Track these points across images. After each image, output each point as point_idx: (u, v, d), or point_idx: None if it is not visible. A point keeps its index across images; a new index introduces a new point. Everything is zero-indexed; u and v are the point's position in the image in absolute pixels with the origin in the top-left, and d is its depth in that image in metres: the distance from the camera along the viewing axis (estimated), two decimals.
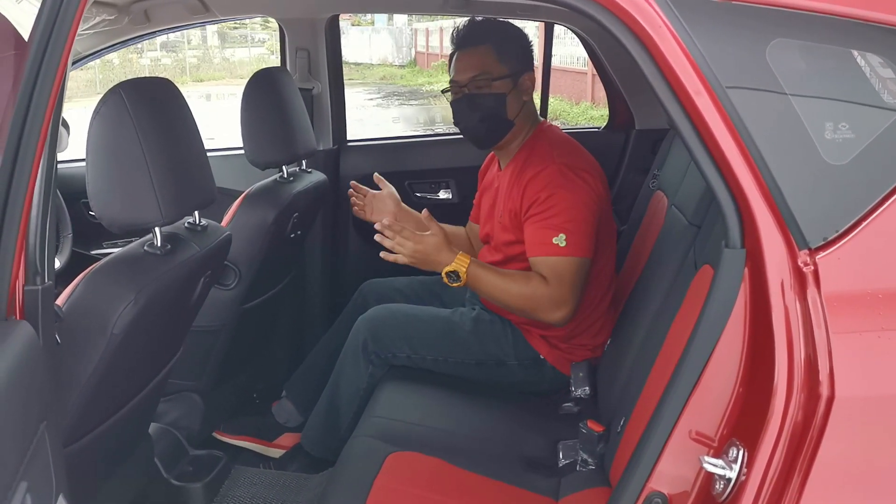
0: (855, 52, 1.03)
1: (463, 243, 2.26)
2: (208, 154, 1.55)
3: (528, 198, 1.82)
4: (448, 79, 1.98)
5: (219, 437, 2.21)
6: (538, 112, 2.03)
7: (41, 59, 1.00)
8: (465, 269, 1.75)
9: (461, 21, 1.99)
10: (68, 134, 2.33)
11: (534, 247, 1.80)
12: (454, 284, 1.77)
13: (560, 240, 1.75)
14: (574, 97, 13.01)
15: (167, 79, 1.49)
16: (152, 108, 1.37)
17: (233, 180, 2.43)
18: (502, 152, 2.00)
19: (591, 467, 1.61)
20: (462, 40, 1.92)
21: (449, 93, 1.97)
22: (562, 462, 1.67)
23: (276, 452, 2.18)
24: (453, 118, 1.97)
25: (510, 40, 1.90)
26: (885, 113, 1.01)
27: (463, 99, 1.91)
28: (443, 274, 1.76)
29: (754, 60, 1.02)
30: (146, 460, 1.84)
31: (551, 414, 1.88)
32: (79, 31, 2.21)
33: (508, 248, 1.93)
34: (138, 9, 2.30)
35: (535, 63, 2.14)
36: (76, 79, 14.19)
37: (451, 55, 1.96)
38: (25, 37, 1.03)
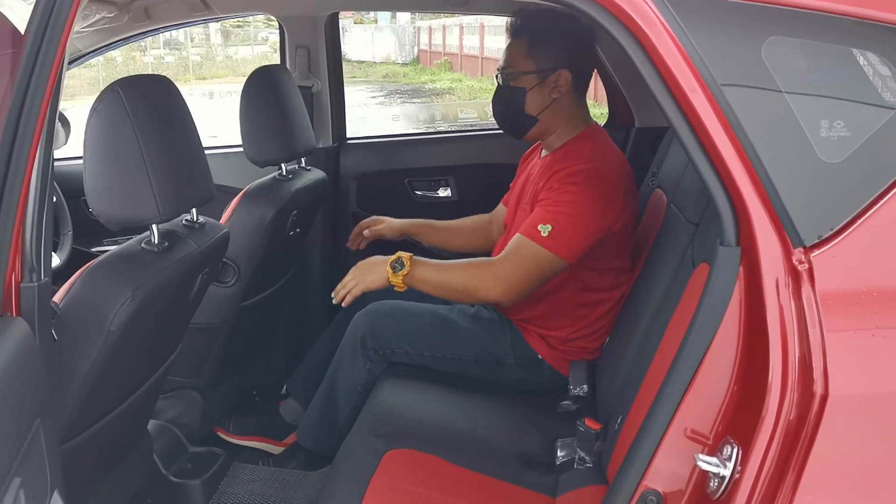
0: (854, 51, 1.03)
1: (473, 233, 2.28)
2: (207, 152, 1.55)
3: (548, 185, 1.83)
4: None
5: (226, 437, 2.21)
6: (586, 112, 1.99)
7: (36, 55, 1.00)
8: (407, 256, 1.80)
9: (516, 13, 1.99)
10: (68, 131, 2.34)
11: (523, 227, 1.80)
12: (398, 274, 1.78)
13: (545, 229, 1.75)
14: None
15: (165, 76, 1.49)
16: (150, 105, 1.38)
17: (232, 178, 2.44)
18: (545, 142, 2.00)
19: (588, 465, 1.61)
20: (509, 31, 1.95)
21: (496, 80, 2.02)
22: (559, 460, 1.67)
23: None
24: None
25: (547, 37, 1.89)
26: (881, 111, 1.01)
27: (497, 88, 1.97)
28: (388, 266, 1.80)
29: (750, 58, 1.02)
30: (145, 457, 1.84)
31: (549, 411, 1.88)
32: (79, 28, 2.21)
33: None
34: (138, 6, 2.31)
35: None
36: (79, 77, 14.21)
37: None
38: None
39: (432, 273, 1.80)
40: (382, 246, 2.74)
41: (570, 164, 1.82)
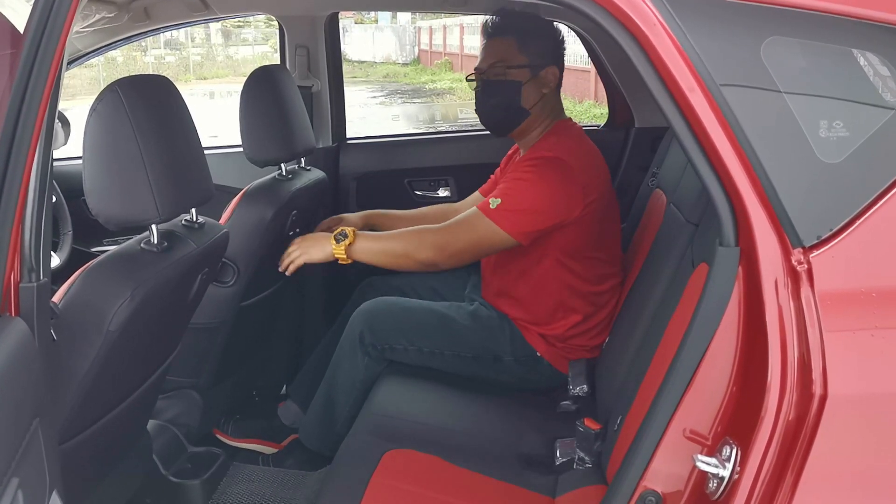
0: (854, 51, 1.03)
1: (435, 220, 2.24)
2: (207, 152, 1.55)
3: (512, 167, 1.90)
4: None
5: (224, 439, 2.21)
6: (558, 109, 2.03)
7: (35, 54, 1.00)
8: (351, 229, 1.86)
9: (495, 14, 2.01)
10: (68, 131, 2.33)
11: (480, 203, 1.86)
12: (341, 244, 1.83)
13: (494, 202, 1.80)
14: (577, 95, 12.99)
15: (164, 76, 1.49)
16: (149, 105, 1.37)
17: (231, 178, 2.44)
18: (522, 143, 2.03)
19: (587, 465, 1.61)
20: (489, 31, 1.97)
21: (473, 81, 2.01)
22: (559, 460, 1.67)
23: None
24: (475, 107, 2.02)
25: (536, 34, 1.93)
26: (880, 111, 1.01)
27: (481, 85, 1.97)
28: (332, 238, 1.85)
29: (749, 58, 1.02)
30: (144, 457, 1.84)
31: (549, 412, 1.88)
32: (79, 28, 2.21)
33: None
34: (138, 6, 2.30)
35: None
36: (80, 77, 14.21)
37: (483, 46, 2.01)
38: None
39: (374, 242, 1.87)
40: None
41: (534, 151, 1.89)
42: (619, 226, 2.04)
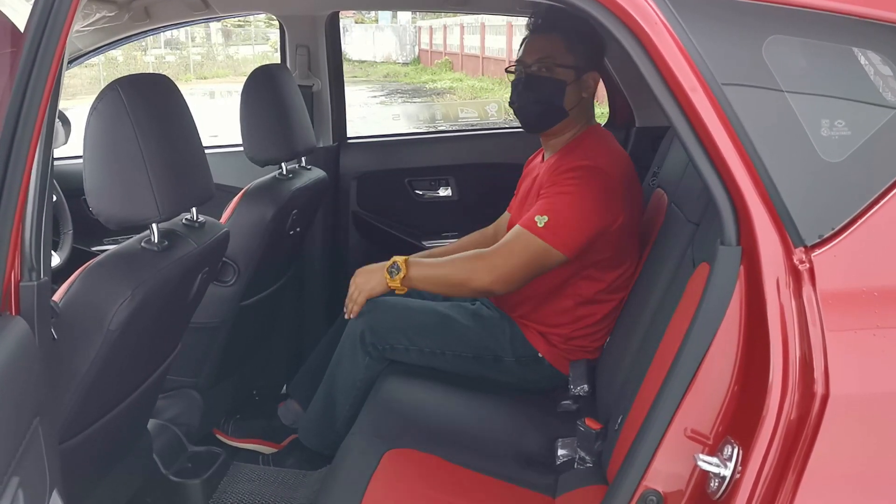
0: (855, 50, 1.02)
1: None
2: (207, 151, 1.55)
3: (550, 180, 1.84)
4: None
5: (225, 439, 2.21)
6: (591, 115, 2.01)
7: (36, 52, 1.00)
8: (402, 259, 1.83)
9: (540, 10, 1.98)
10: (68, 130, 2.33)
11: (522, 219, 1.82)
12: (396, 278, 1.82)
13: (541, 220, 1.77)
14: None
15: (164, 75, 1.49)
16: (149, 104, 1.37)
17: (232, 177, 2.44)
18: (550, 143, 1.99)
19: (588, 465, 1.60)
20: (536, 26, 1.94)
21: (512, 73, 1.98)
22: (559, 459, 1.66)
23: None
24: (510, 98, 1.98)
25: (581, 36, 1.90)
26: (881, 110, 1.00)
27: (524, 79, 1.93)
28: (385, 272, 1.84)
29: (750, 57, 1.02)
30: (145, 456, 1.84)
31: (549, 411, 1.88)
32: (79, 27, 2.21)
33: None
34: (138, 5, 2.30)
35: None
36: (80, 76, 14.20)
37: (524, 40, 1.98)
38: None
39: (428, 271, 1.84)
40: (381, 248, 2.75)
41: (572, 160, 1.84)
42: (637, 232, 1.98)
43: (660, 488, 1.07)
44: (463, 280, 1.81)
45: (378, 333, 1.95)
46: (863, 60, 1.03)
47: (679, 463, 1.06)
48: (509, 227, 2.08)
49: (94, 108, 1.31)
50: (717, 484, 1.00)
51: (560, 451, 1.67)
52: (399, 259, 1.84)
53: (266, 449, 2.19)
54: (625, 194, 1.84)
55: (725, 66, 1.01)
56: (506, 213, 2.25)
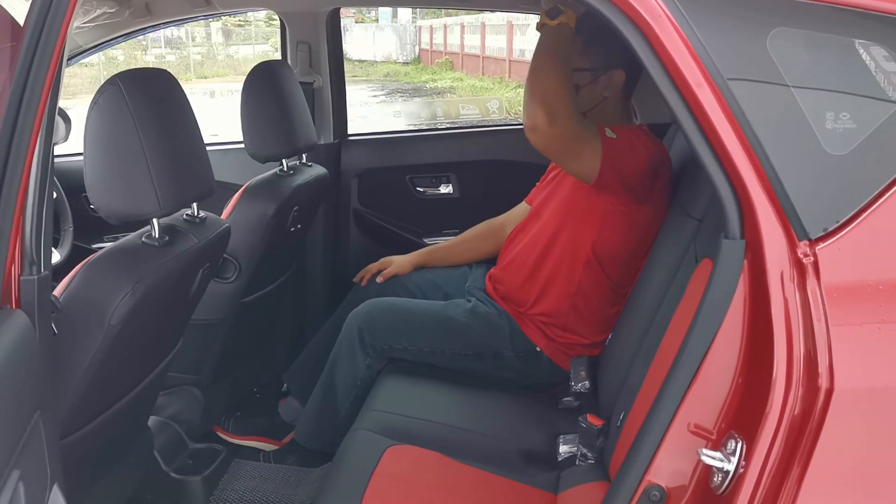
0: (857, 44, 1.02)
1: (484, 240, 2.28)
2: (208, 148, 1.55)
3: None
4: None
5: (225, 437, 2.21)
6: (630, 113, 1.98)
7: (35, 47, 1.00)
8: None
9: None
10: (69, 126, 2.33)
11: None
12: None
13: (609, 132, 1.75)
14: None
15: (165, 70, 1.49)
16: (150, 98, 1.37)
17: (233, 174, 2.43)
18: None
19: (590, 461, 1.60)
20: None
21: None
22: (561, 456, 1.66)
23: None
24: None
25: (601, 37, 1.84)
26: (886, 104, 1.00)
27: None
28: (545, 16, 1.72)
29: (755, 51, 1.01)
30: (145, 453, 1.84)
31: (551, 408, 1.87)
32: (80, 24, 2.20)
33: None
34: (139, 1, 2.30)
35: None
36: (80, 75, 14.21)
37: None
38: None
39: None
40: (382, 245, 2.74)
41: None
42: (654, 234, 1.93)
43: (663, 483, 1.07)
44: (542, 91, 1.67)
45: (376, 334, 1.95)
46: (866, 58, 1.02)
47: (682, 458, 1.06)
48: (535, 206, 2.07)
49: (94, 102, 1.31)
50: (720, 479, 1.00)
51: (562, 448, 1.67)
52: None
53: (267, 446, 2.19)
54: (662, 186, 1.83)
55: (731, 60, 1.01)
56: (523, 203, 2.23)
